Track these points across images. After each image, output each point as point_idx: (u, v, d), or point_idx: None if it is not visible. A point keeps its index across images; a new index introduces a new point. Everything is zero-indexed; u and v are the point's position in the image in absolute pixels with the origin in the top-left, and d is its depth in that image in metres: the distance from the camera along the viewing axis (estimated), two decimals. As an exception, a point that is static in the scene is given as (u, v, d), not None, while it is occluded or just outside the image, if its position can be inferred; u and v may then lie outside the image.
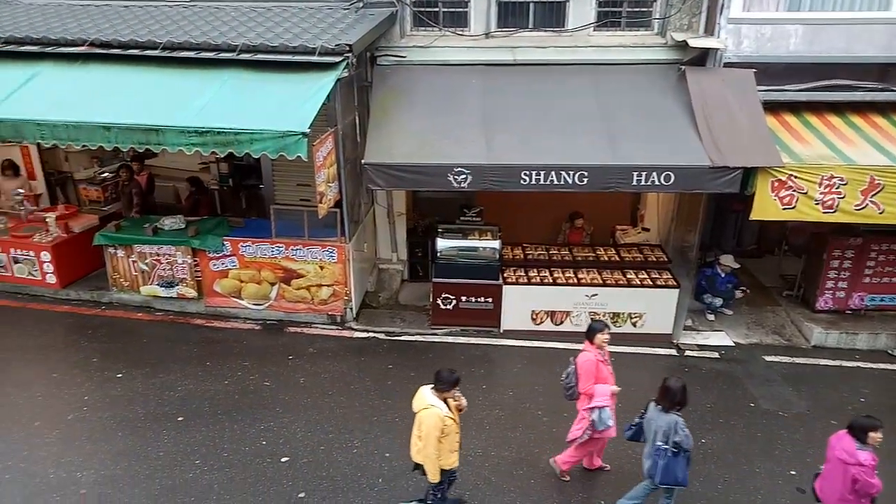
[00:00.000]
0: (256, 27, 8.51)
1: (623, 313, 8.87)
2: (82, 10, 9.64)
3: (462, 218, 9.44)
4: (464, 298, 8.92)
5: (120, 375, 7.92)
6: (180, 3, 9.62)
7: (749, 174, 7.76)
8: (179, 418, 7.15)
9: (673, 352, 8.81)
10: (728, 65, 8.61)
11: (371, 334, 9.02)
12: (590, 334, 6.08)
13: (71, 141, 7.69)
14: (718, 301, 9.55)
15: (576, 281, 8.91)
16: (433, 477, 5.36)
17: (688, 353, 8.82)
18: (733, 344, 9.08)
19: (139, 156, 10.67)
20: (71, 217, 10.21)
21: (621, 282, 8.90)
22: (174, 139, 7.31)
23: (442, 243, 9.03)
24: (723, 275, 9.47)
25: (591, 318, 8.35)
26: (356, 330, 9.10)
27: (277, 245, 8.93)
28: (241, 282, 9.17)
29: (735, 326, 9.47)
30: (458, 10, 9.13)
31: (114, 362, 8.16)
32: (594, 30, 9.12)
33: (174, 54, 8.02)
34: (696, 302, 9.68)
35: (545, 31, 9.15)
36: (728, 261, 9.51)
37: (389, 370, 8.19)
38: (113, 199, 11.04)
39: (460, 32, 9.15)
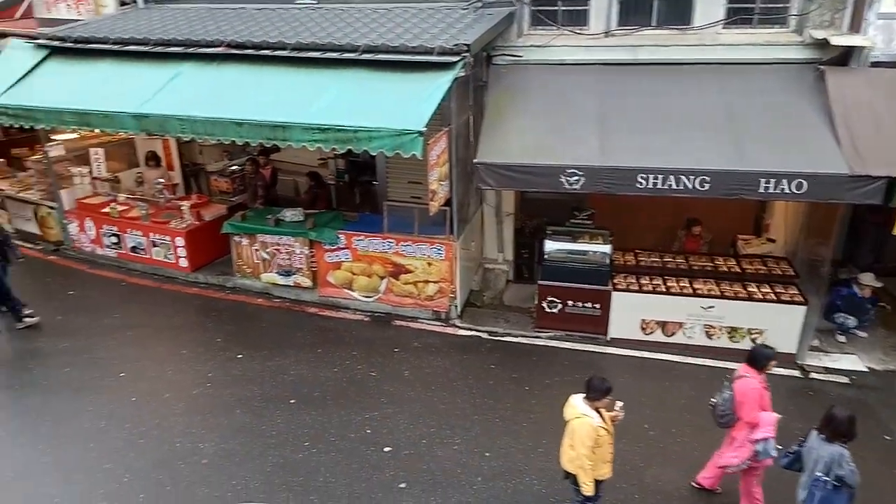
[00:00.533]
0: (378, 28, 8.77)
1: (741, 328, 8.36)
2: (220, 13, 10.37)
3: (572, 220, 9.27)
4: (570, 303, 8.75)
5: (240, 356, 8.45)
6: (308, 5, 10.11)
7: (894, 185, 7.06)
8: (291, 401, 7.53)
9: (796, 373, 8.20)
10: (875, 64, 7.88)
11: (474, 333, 9.06)
12: (758, 362, 5.67)
13: (207, 135, 8.29)
14: (852, 321, 8.76)
15: (691, 291, 8.49)
16: (587, 489, 5.21)
17: (813, 375, 8.18)
18: (867, 369, 8.31)
19: (265, 150, 11.31)
20: (203, 206, 11.02)
21: (741, 295, 8.38)
22: (299, 135, 7.69)
23: (550, 245, 8.91)
24: (860, 294, 8.67)
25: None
26: (460, 328, 9.17)
27: (388, 240, 9.18)
28: (353, 274, 9.51)
29: (869, 350, 8.67)
30: (577, 8, 8.93)
31: (235, 344, 8.72)
32: (723, 27, 8.63)
33: (301, 54, 8.43)
34: (825, 321, 8.94)
35: (669, 28, 8.77)
36: (869, 279, 8.68)
37: (491, 370, 8.20)
38: (240, 191, 11.80)
39: (579, 31, 8.97)
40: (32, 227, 12.02)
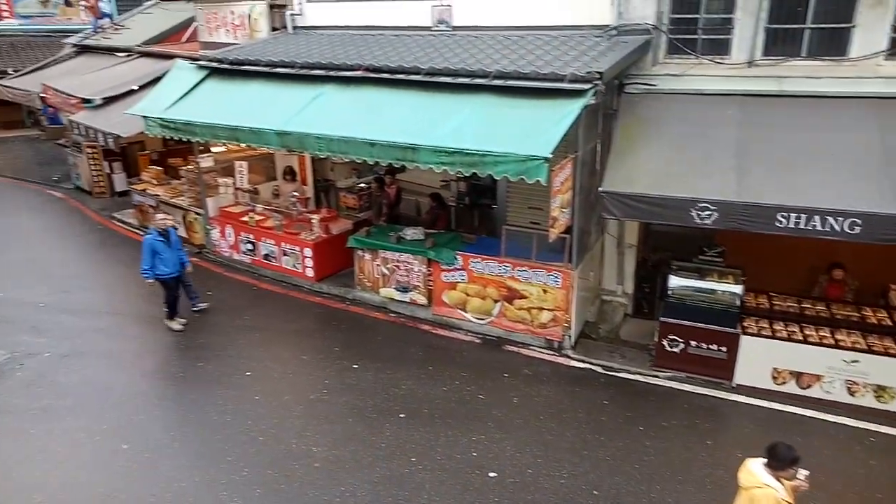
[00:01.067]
0: (510, 54, 8.88)
1: (891, 388, 7.54)
2: (361, 38, 10.95)
3: (700, 256, 8.82)
4: (693, 343, 8.30)
5: (356, 366, 8.74)
6: (444, 31, 10.44)
7: None
8: (401, 415, 7.67)
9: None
10: None
11: (588, 365, 8.81)
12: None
13: (341, 154, 8.74)
14: None
15: (832, 342, 7.78)
16: None
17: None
18: None
19: (391, 170, 11.74)
20: (331, 220, 11.59)
21: (892, 350, 7.57)
22: (427, 157, 7.91)
23: (675, 281, 8.53)
24: None
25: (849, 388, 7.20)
26: (573, 359, 8.96)
27: (505, 264, 9.18)
28: (468, 295, 9.59)
29: None
30: (719, 36, 8.57)
31: (352, 354, 9.03)
32: (885, 58, 7.94)
33: (434, 79, 8.69)
34: None
35: (821, 59, 8.19)
36: None
37: (604, 406, 7.92)
38: (366, 208, 12.30)
39: (719, 60, 8.59)
40: (181, 231, 13.15)
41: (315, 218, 11.35)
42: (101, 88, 13.66)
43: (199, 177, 12.31)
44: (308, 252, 11.06)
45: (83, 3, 21.08)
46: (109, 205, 15.77)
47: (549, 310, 9.02)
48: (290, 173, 12.47)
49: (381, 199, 11.67)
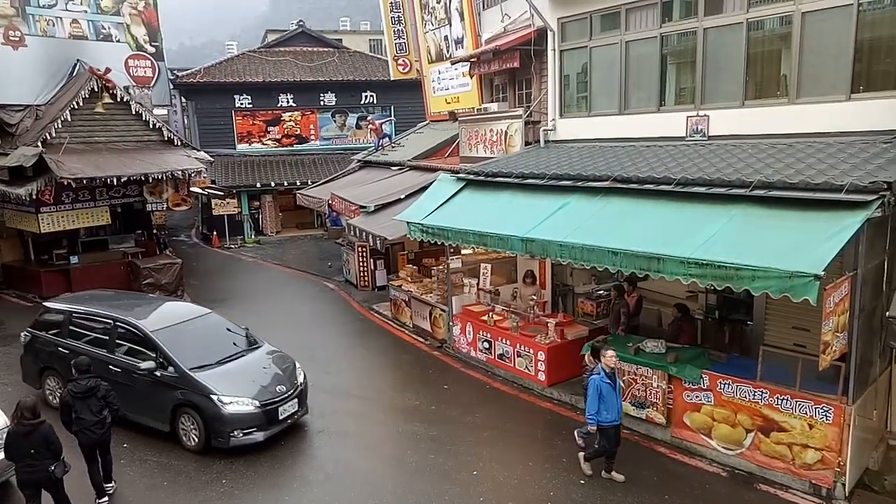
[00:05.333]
0: (774, 163, 8.32)
1: None
2: (610, 150, 11.21)
3: None
4: None
5: (583, 482, 8.32)
6: (698, 142, 10.23)
7: None
8: (632, 545, 7.02)
9: None
10: None
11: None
12: None
13: (583, 261, 8.80)
14: None
15: None
16: None
17: None
18: None
19: (633, 278, 11.44)
20: (567, 325, 11.56)
21: None
22: (673, 268, 7.59)
23: None
24: None
25: None
26: (847, 512, 7.49)
27: (761, 389, 8.18)
28: (714, 420, 8.68)
29: None
30: None
31: (579, 468, 8.61)
32: None
33: (686, 189, 8.46)
34: None
35: None
36: None
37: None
38: (603, 315, 12.07)
39: None
40: (426, 325, 14.21)
41: (551, 322, 11.42)
42: (375, 197, 15.76)
43: (447, 276, 13.28)
44: (542, 355, 11.09)
45: (370, 126, 25.03)
46: (370, 297, 17.73)
47: (815, 448, 7.74)
48: (529, 276, 12.86)
49: (619, 307, 11.36)
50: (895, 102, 8.14)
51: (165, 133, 18.85)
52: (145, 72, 23.38)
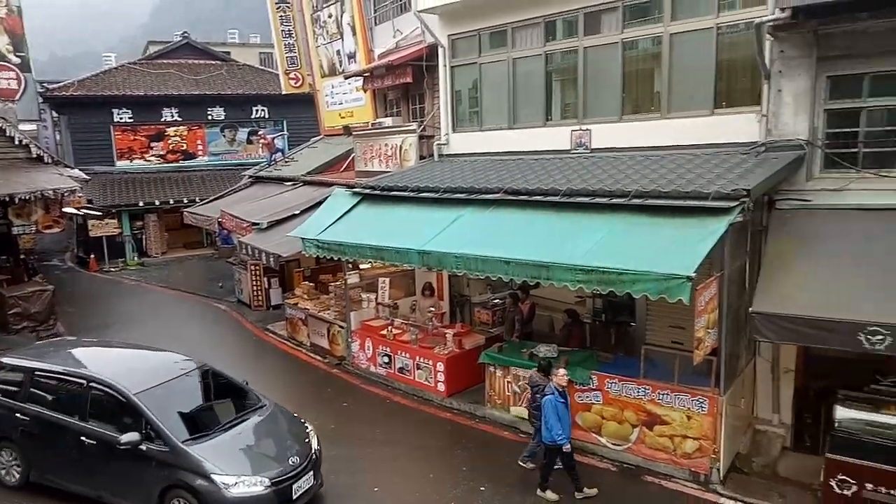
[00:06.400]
0: (650, 174, 8.93)
1: None
2: (501, 163, 11.59)
3: (873, 385, 7.84)
4: (869, 486, 7.17)
5: (483, 489, 8.46)
6: (582, 154, 10.79)
7: None
8: (532, 546, 7.21)
9: None
10: None
11: (740, 504, 7.89)
12: None
13: (478, 271, 9.02)
14: None
15: None
16: None
17: None
18: None
19: (526, 286, 11.82)
20: (465, 335, 11.75)
21: None
22: (561, 275, 7.94)
23: (843, 413, 7.58)
24: None
25: None
26: (722, 495, 8.06)
27: (644, 386, 8.70)
28: (603, 418, 9.11)
29: None
30: (884, 149, 8.09)
31: (479, 475, 8.77)
32: None
33: (571, 199, 8.90)
34: None
35: None
36: None
37: (765, 556, 6.96)
38: (499, 323, 12.37)
39: (885, 174, 8.04)
40: (324, 343, 13.94)
41: (449, 333, 11.56)
42: (268, 213, 15.33)
43: (345, 292, 13.14)
44: (440, 366, 11.20)
45: (262, 141, 24.38)
46: (265, 317, 17.17)
47: (693, 438, 8.31)
48: (428, 289, 12.97)
49: (513, 315, 11.71)
50: (752, 117, 8.98)
51: (34, 150, 17.38)
52: (9, 83, 21.62)
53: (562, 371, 8.30)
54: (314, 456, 8.19)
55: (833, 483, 7.42)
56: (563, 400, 8.07)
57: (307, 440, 8.33)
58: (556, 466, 8.23)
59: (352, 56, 17.87)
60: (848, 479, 7.32)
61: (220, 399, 8.57)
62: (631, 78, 10.46)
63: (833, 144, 8.42)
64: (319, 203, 13.31)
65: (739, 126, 9.10)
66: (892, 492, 7.08)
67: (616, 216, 8.40)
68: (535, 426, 8.60)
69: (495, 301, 12.90)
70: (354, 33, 17.39)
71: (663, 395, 8.53)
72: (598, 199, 8.66)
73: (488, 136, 12.51)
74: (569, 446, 7.97)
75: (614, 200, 8.48)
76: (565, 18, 10.99)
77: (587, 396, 9.25)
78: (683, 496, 8.14)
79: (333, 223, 11.71)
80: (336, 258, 11.61)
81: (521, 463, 8.91)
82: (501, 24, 11.85)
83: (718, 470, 8.23)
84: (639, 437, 8.81)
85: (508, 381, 10.22)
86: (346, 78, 17.88)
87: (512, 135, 12.04)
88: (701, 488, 8.24)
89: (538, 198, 9.33)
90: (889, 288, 6.91)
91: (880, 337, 6.54)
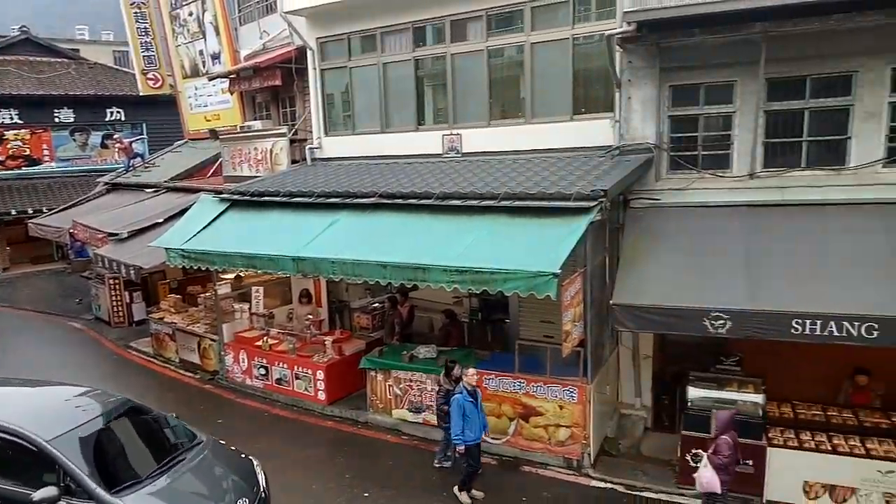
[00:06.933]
0: (518, 177, 9.31)
1: (935, 501, 7.10)
2: (376, 167, 11.58)
3: (718, 366, 8.68)
4: (719, 458, 7.94)
5: (367, 495, 8.41)
6: (454, 158, 11.04)
7: None
8: (417, 546, 7.26)
9: None
10: None
11: (609, 485, 8.42)
12: None
13: (355, 276, 8.96)
14: None
15: (863, 451, 7.44)
16: None
17: None
18: None
19: (404, 289, 11.91)
20: (344, 341, 11.62)
21: (931, 461, 7.21)
22: (437, 277, 8.09)
23: (693, 392, 8.33)
24: None
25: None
26: (593, 478, 8.58)
27: (519, 380, 9.05)
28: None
29: None
30: (719, 152, 9.00)
31: (363, 481, 8.72)
32: (884, 166, 8.22)
33: (445, 202, 9.09)
34: None
35: (821, 169, 8.49)
36: None
37: (631, 531, 7.48)
38: (379, 327, 12.36)
39: (721, 174, 8.94)
40: (195, 358, 13.22)
41: (328, 340, 11.38)
42: (127, 222, 14.30)
43: (216, 303, 12.54)
44: (320, 374, 11.00)
45: (118, 145, 22.62)
46: (127, 334, 15.97)
47: (566, 426, 8.77)
48: (305, 296, 12.69)
49: (393, 318, 11.76)
50: (607, 122, 9.64)
51: None
52: None
53: (471, 370, 8.30)
54: (263, 495, 7.28)
55: (688, 458, 8.12)
56: (471, 399, 8.06)
57: (256, 478, 7.43)
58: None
59: (216, 57, 17.09)
60: (701, 452, 8.01)
61: (149, 438, 7.46)
62: (498, 84, 10.86)
63: (677, 148, 9.23)
64: (185, 210, 12.61)
65: (596, 131, 9.73)
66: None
67: (487, 218, 8.68)
68: (444, 428, 8.65)
69: (375, 305, 12.87)
70: (218, 33, 16.64)
71: (537, 387, 8.92)
72: (470, 202, 8.91)
73: (362, 140, 12.46)
74: (462, 447, 8.02)
75: (485, 203, 8.77)
76: (434, 25, 11.20)
77: (466, 394, 9.46)
78: (558, 482, 8.56)
79: (200, 231, 11.15)
80: (204, 268, 11.05)
81: (436, 464, 8.99)
82: (371, 28, 11.86)
83: (589, 455, 8.74)
84: (516, 430, 9.15)
85: (390, 385, 10.23)
86: (211, 80, 17.07)
87: (385, 139, 12.08)
88: (574, 473, 8.70)
89: (413, 201, 9.44)
90: (728, 277, 7.69)
91: (722, 321, 7.25)
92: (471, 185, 9.36)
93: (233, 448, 8.00)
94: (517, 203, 8.52)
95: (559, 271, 7.21)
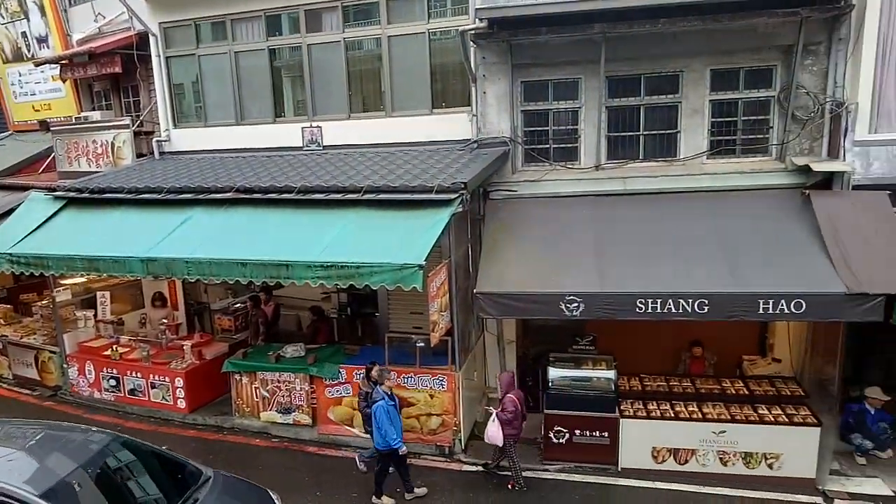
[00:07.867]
0: (381, 170, 9.30)
1: (756, 454, 8.05)
2: (232, 161, 11.04)
3: (574, 347, 9.24)
4: (577, 432, 8.50)
5: (237, 502, 8.06)
6: (314, 151, 10.78)
7: (894, 302, 7.14)
8: (290, 550, 7.08)
9: (818, 500, 7.78)
10: (858, 187, 8.26)
11: (480, 468, 8.71)
12: None
13: (212, 276, 8.51)
14: (869, 443, 8.46)
15: (700, 416, 8.28)
16: None
17: (837, 501, 7.75)
18: (893, 493, 7.88)
19: (267, 287, 11.50)
20: (205, 345, 11.01)
21: (752, 418, 8.16)
22: (301, 273, 7.89)
23: (554, 372, 8.82)
24: (872, 411, 8.45)
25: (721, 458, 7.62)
26: (465, 462, 8.84)
27: (390, 372, 9.06)
28: (354, 409, 9.29)
29: (892, 473, 8.27)
30: (568, 146, 9.56)
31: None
32: (707, 158, 9.14)
33: (307, 197, 8.86)
34: (842, 443, 8.63)
35: (656, 160, 9.29)
36: (876, 393, 8.50)
37: (501, 508, 7.79)
38: (242, 328, 11.83)
39: (570, 166, 9.50)
40: (32, 373, 11.94)
41: (187, 344, 10.74)
42: (-61, 225, 12.56)
43: (55, 312, 11.38)
44: (179, 382, 10.35)
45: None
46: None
47: (437, 415, 8.94)
48: (159, 299, 11.87)
49: (257, 318, 11.32)
50: (465, 116, 9.87)
51: None
52: None
53: (393, 375, 8.29)
54: None
55: (551, 435, 8.60)
56: (393, 403, 7.91)
57: None
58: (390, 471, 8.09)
59: (43, 40, 15.39)
60: (562, 428, 8.55)
61: (152, 478, 6.50)
62: (357, 77, 10.75)
63: (531, 141, 9.68)
64: (12, 210, 11.28)
65: (455, 124, 9.95)
66: (593, 433, 8.44)
67: (351, 211, 8.59)
68: (369, 432, 8.36)
69: (237, 305, 12.30)
70: (44, 13, 14.99)
71: (408, 378, 9.00)
72: (332, 196, 8.76)
73: (215, 133, 11.81)
74: (405, 448, 7.85)
75: (348, 196, 8.67)
76: (288, 14, 10.84)
77: (337, 390, 9.36)
78: (430, 470, 8.71)
79: (32, 232, 10.05)
80: (38, 273, 9.96)
81: (358, 463, 8.74)
82: (219, 14, 11.23)
83: (460, 441, 8.98)
84: (389, 423, 9.18)
85: (256, 387, 9.85)
86: (38, 65, 15.33)
87: (241, 131, 11.54)
88: (446, 460, 8.90)
89: (273, 196, 9.12)
90: (579, 263, 8.21)
91: (576, 304, 7.74)
92: (333, 178, 9.20)
93: (242, 479, 7.27)
94: (380, 196, 8.51)
95: (424, 263, 7.31)
